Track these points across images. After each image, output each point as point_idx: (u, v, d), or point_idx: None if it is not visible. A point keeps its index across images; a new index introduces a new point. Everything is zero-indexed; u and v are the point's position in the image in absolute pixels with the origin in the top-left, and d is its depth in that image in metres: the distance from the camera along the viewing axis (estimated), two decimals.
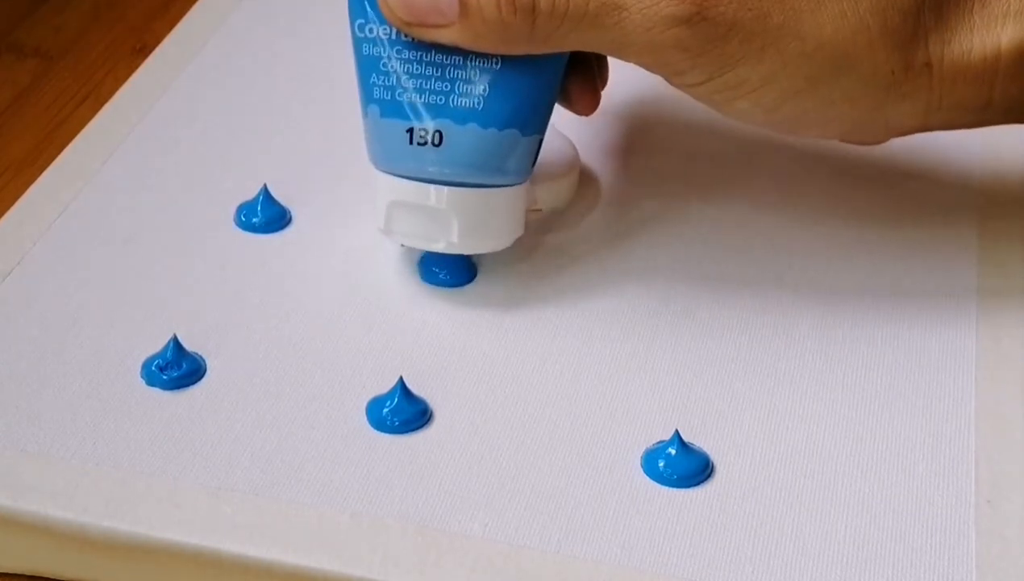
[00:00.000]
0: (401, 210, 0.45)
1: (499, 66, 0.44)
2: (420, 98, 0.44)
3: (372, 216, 0.47)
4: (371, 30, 0.44)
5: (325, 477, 0.41)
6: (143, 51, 0.60)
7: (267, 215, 0.50)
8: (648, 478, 0.41)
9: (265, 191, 0.51)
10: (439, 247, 0.46)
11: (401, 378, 0.43)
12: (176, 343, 0.44)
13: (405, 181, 0.45)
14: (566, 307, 0.47)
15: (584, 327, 0.47)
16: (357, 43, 0.45)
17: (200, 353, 0.45)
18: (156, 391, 0.43)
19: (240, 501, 0.40)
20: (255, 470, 0.41)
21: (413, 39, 0.44)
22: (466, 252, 0.46)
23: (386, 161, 0.45)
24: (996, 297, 0.48)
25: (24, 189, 0.51)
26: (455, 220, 0.45)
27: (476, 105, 0.44)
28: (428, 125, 0.44)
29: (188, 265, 0.48)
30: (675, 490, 0.41)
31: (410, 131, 0.44)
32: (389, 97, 0.44)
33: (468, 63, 0.43)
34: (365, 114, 0.45)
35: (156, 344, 0.45)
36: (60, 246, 0.49)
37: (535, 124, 0.45)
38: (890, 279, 0.49)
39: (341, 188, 0.52)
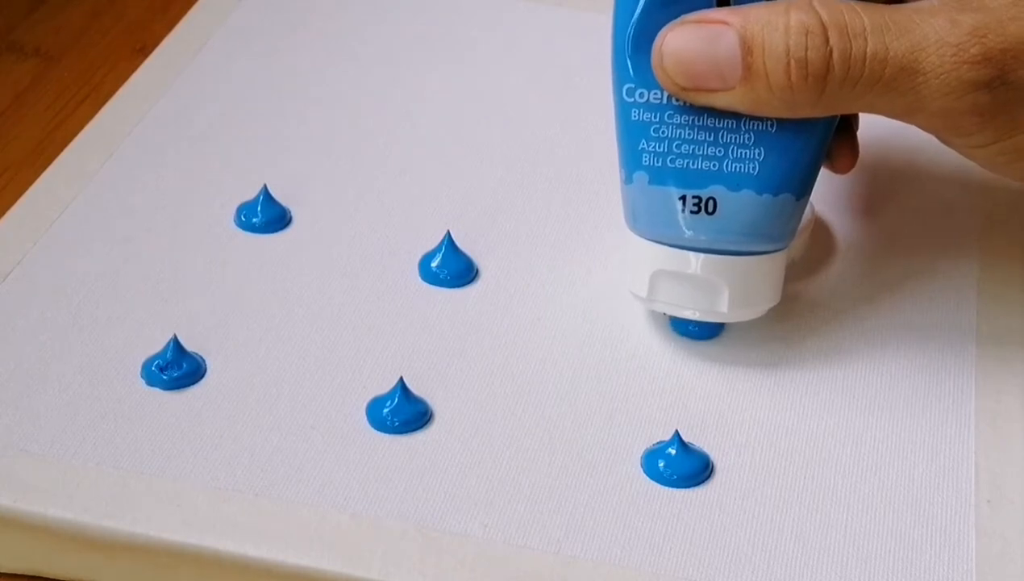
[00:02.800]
0: (666, 279, 0.44)
1: (774, 129, 0.42)
2: (693, 164, 0.42)
3: (624, 280, 0.46)
4: (641, 95, 0.42)
5: (325, 477, 0.41)
6: (143, 51, 0.60)
7: (267, 215, 0.50)
8: (648, 478, 0.41)
9: (265, 191, 0.50)
10: (704, 316, 0.44)
11: (401, 378, 0.43)
12: (176, 343, 0.44)
13: (670, 249, 0.43)
14: (566, 307, 0.47)
15: (584, 327, 0.47)
16: (624, 109, 0.43)
17: (200, 353, 0.45)
18: (156, 391, 0.43)
19: (240, 501, 0.40)
20: (255, 470, 0.41)
21: (686, 103, 0.42)
22: (731, 320, 0.45)
23: (652, 229, 0.43)
24: (996, 298, 0.48)
25: (24, 189, 0.51)
26: (725, 289, 0.43)
27: (751, 170, 0.42)
28: (702, 193, 0.42)
29: (188, 265, 0.48)
30: (675, 490, 0.41)
31: (683, 199, 0.42)
32: (659, 164, 0.42)
33: (742, 126, 0.42)
34: (629, 180, 0.43)
35: (156, 344, 0.45)
36: (60, 246, 0.49)
37: (807, 187, 0.43)
38: (890, 280, 0.49)
39: (341, 188, 0.52)
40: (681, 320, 0.46)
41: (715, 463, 0.42)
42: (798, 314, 0.47)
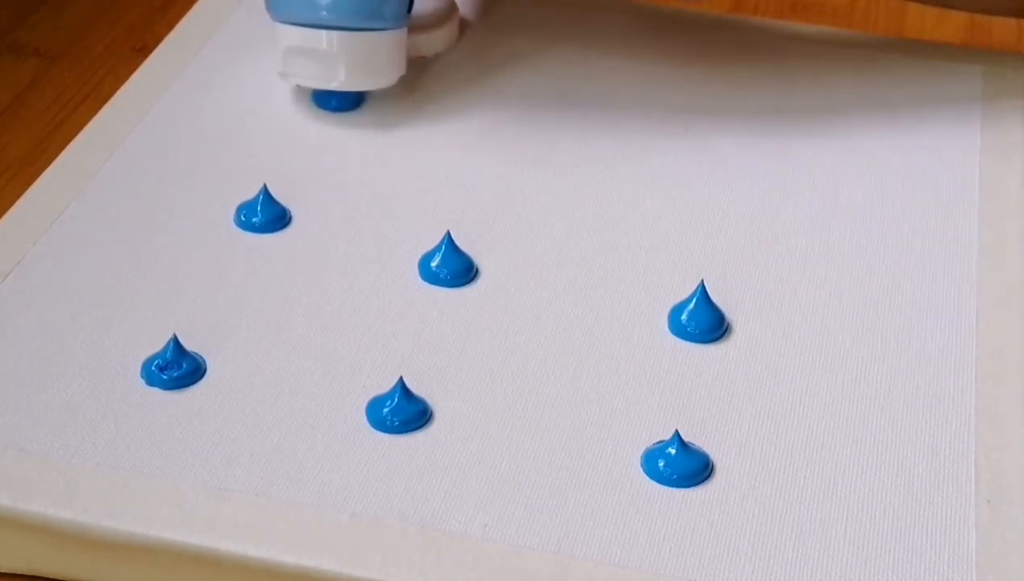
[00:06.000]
0: (296, 55, 0.53)
1: None
2: None
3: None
4: None
5: (325, 477, 0.41)
6: (143, 51, 0.60)
7: (267, 215, 0.50)
8: (648, 478, 0.41)
9: (265, 191, 0.50)
10: (331, 85, 0.53)
11: (401, 378, 0.43)
12: (176, 343, 0.44)
13: (300, 28, 0.52)
14: (566, 307, 0.47)
15: (584, 326, 0.47)
16: None
17: (200, 353, 0.45)
18: (156, 391, 0.43)
19: (240, 501, 0.40)
20: (255, 470, 0.41)
21: None
22: (353, 88, 0.54)
23: (282, 11, 0.53)
24: (996, 297, 0.48)
25: (24, 189, 0.51)
26: (343, 60, 0.52)
27: None
28: None
29: (188, 265, 0.48)
30: (675, 490, 0.41)
31: None
32: None
33: None
34: None
35: (156, 344, 0.45)
36: (60, 246, 0.49)
37: None
38: (890, 279, 0.49)
39: (341, 188, 0.52)
40: (680, 320, 0.46)
41: (715, 463, 0.42)
42: (796, 314, 0.47)
